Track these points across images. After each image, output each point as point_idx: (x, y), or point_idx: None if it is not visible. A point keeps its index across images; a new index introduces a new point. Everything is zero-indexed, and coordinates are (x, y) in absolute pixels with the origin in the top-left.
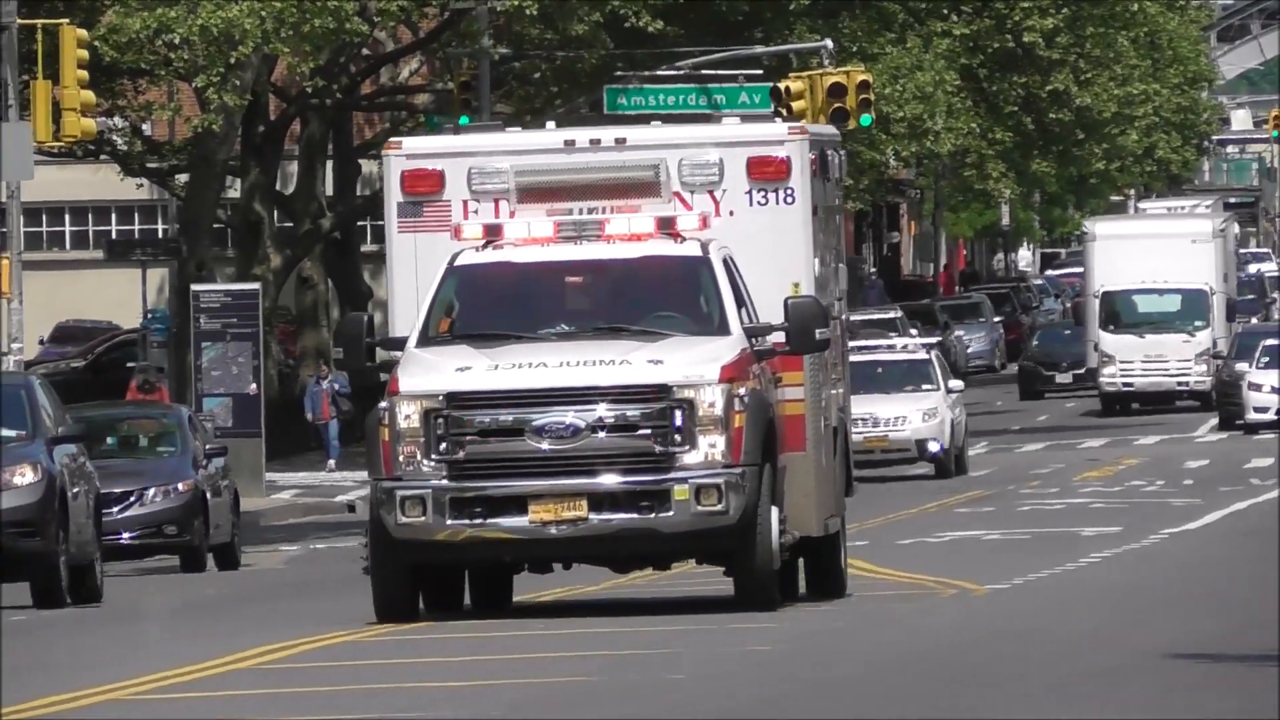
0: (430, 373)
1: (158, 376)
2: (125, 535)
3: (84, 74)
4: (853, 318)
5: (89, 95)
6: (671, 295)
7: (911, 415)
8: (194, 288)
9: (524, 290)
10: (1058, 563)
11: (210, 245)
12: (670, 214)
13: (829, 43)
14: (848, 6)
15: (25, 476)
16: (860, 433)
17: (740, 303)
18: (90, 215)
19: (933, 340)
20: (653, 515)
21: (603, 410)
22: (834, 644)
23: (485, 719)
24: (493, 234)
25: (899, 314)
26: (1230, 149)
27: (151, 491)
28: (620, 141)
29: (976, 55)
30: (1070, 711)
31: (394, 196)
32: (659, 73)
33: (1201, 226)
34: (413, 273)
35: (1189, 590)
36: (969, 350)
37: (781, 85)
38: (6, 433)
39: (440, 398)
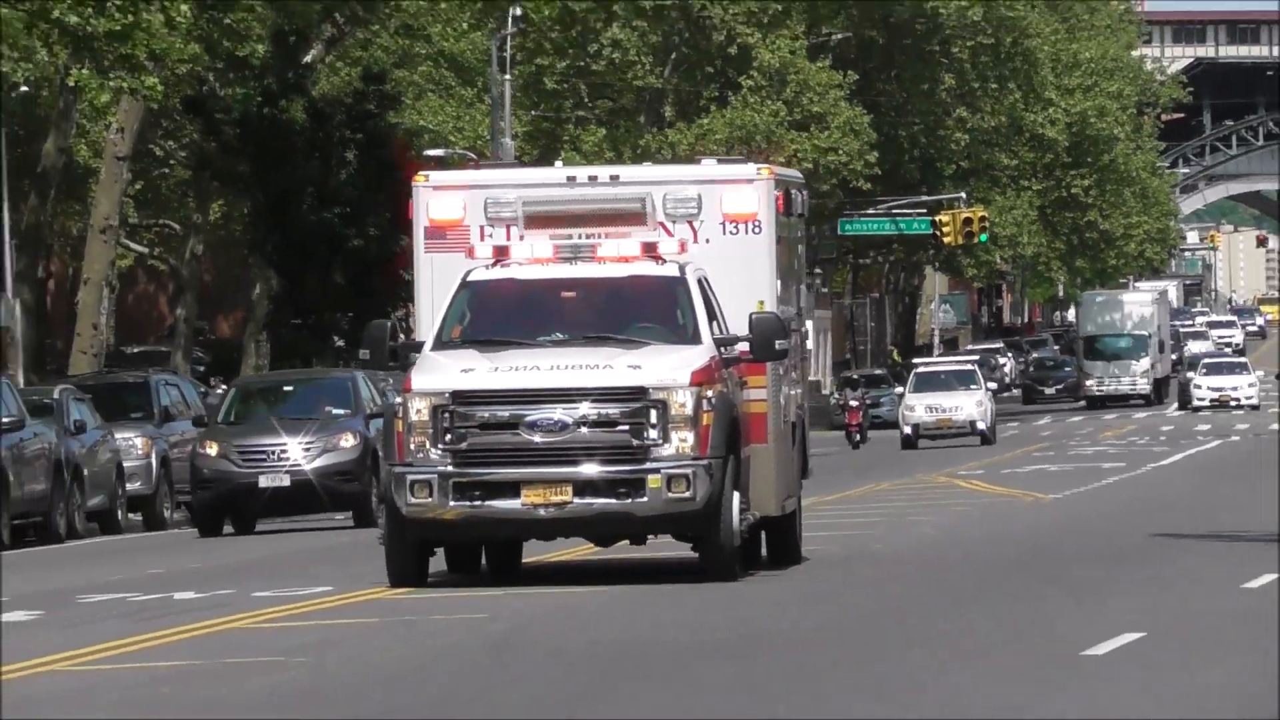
0: (439, 373)
1: None
2: None
3: None
4: (973, 346)
5: None
6: (652, 309)
7: (966, 404)
8: None
9: (525, 303)
10: (1091, 483)
11: None
12: (654, 240)
13: (964, 194)
14: (975, 174)
15: (348, 441)
16: (933, 415)
17: (712, 316)
18: None
19: (975, 357)
20: (629, 500)
21: (587, 408)
22: (965, 532)
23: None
24: (501, 254)
25: (1001, 345)
26: (1187, 254)
27: None
28: (614, 178)
29: (1046, 199)
30: (1108, 571)
31: (421, 222)
32: (867, 212)
33: (1145, 297)
34: (432, 287)
35: (1168, 498)
36: None
37: (936, 218)
38: (337, 411)
39: (447, 395)
